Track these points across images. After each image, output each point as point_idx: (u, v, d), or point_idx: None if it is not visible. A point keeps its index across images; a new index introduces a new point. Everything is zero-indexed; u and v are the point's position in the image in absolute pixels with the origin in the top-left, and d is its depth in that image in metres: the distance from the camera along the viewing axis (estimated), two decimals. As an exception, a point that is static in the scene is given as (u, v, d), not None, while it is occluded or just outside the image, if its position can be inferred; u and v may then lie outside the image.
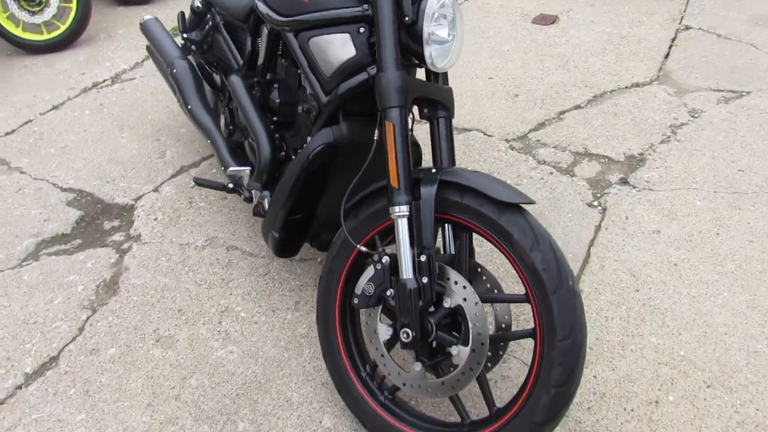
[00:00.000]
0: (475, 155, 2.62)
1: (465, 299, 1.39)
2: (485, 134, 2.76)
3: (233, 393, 1.73)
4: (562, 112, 2.88)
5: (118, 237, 2.31)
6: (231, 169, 1.80)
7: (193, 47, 2.40)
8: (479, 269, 1.52)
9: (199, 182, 1.83)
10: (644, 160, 2.53)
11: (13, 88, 3.37)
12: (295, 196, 1.66)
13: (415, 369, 1.45)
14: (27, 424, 1.67)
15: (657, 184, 2.38)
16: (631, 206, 2.28)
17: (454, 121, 2.83)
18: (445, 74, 1.60)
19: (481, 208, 1.38)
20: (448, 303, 1.41)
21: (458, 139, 2.73)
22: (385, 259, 1.43)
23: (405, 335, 1.39)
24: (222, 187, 1.85)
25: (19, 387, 1.77)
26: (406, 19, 1.43)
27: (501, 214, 1.36)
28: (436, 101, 1.55)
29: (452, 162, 1.57)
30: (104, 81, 3.38)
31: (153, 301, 2.03)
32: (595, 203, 2.32)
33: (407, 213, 1.39)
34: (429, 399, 1.62)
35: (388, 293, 1.42)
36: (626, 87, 3.03)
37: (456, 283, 1.40)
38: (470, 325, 1.37)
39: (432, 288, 1.38)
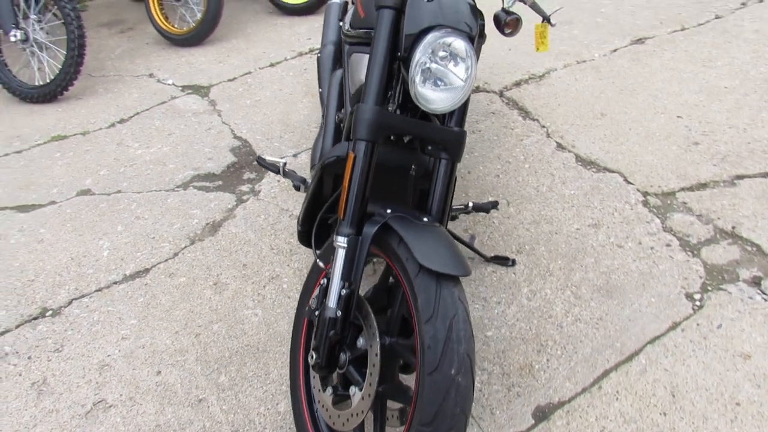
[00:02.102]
0: (595, 201, 2.33)
1: (371, 346, 1.37)
2: (625, 180, 2.42)
3: (234, 349, 1.97)
4: (740, 177, 2.36)
5: (245, 188, 2.70)
6: (268, 157, 1.97)
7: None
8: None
9: (260, 162, 2.05)
10: (805, 264, 1.97)
11: (256, 42, 4.01)
12: (311, 198, 1.76)
13: (327, 392, 1.49)
14: (102, 312, 2.15)
15: (795, 299, 1.85)
16: (737, 314, 1.83)
17: (598, 155, 2.55)
18: (459, 115, 1.51)
19: (406, 263, 1.32)
20: (359, 343, 1.41)
21: (590, 178, 2.45)
22: (324, 281, 1.47)
23: (311, 357, 1.44)
24: (277, 171, 2.03)
25: (115, 282, 2.27)
26: (399, 54, 1.40)
27: (417, 276, 1.29)
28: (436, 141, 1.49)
29: (441, 207, 1.50)
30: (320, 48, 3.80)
31: (232, 249, 2.36)
32: (696, 296, 1.92)
33: (345, 246, 1.40)
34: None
35: (316, 313, 1.47)
36: None
37: (370, 327, 1.38)
38: (367, 372, 1.36)
39: (345, 323, 1.40)
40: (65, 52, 3.40)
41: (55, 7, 3.39)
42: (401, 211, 1.43)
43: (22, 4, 3.47)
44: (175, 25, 4.09)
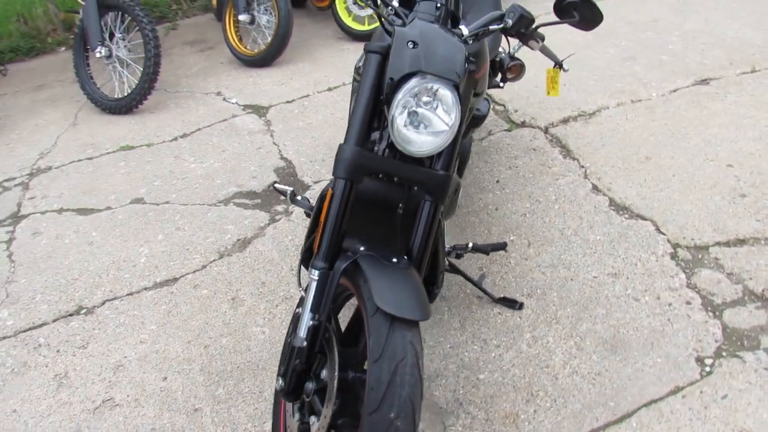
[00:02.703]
0: (620, 249, 2.24)
1: (331, 379, 1.40)
2: (657, 229, 2.31)
3: (237, 364, 2.05)
4: (785, 236, 2.19)
5: (280, 208, 2.81)
6: (278, 185, 2.04)
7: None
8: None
9: (274, 188, 2.12)
10: (839, 339, 1.80)
11: (321, 66, 4.15)
12: (311, 227, 1.82)
13: (294, 418, 1.54)
14: (128, 315, 2.31)
15: (818, 376, 1.70)
16: (746, 385, 1.70)
17: (633, 201, 2.45)
18: (446, 159, 1.52)
19: (366, 302, 1.35)
20: (323, 375, 1.44)
21: (620, 225, 2.36)
22: (299, 310, 1.52)
23: (277, 382, 1.48)
24: (286, 197, 2.10)
25: (145, 288, 2.43)
26: (382, 97, 1.43)
27: (373, 316, 1.31)
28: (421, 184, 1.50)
29: (422, 247, 1.52)
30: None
31: (255, 266, 2.46)
32: (708, 361, 1.80)
33: (317, 278, 1.45)
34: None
35: (288, 340, 1.52)
36: None
37: (333, 360, 1.41)
38: (325, 404, 1.39)
39: (311, 353, 1.44)
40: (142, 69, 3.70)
41: (137, 27, 3.69)
42: (374, 249, 1.45)
43: (110, 23, 3.80)
44: (248, 47, 4.32)
